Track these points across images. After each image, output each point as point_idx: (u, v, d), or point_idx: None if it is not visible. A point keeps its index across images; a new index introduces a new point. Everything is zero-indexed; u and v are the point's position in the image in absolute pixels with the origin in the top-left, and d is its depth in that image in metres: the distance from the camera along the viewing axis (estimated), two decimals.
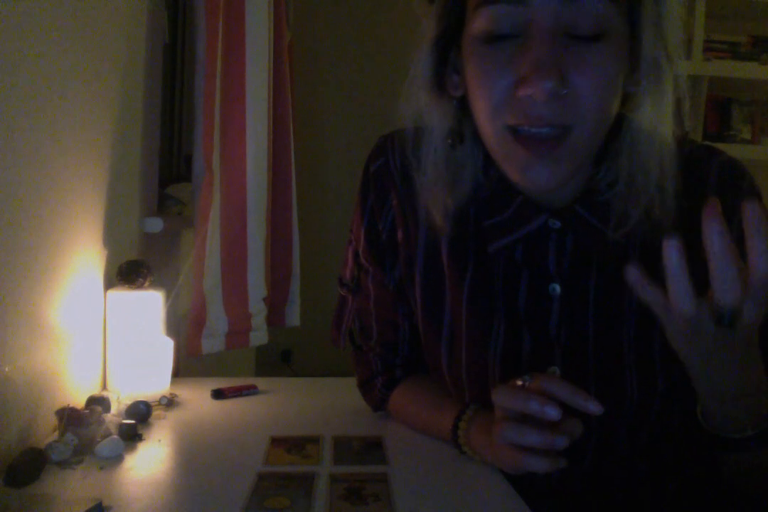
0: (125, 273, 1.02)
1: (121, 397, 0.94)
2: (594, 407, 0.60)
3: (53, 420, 0.82)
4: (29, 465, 0.70)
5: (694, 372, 0.64)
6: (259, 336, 1.56)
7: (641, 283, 0.56)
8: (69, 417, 0.78)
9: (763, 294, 0.52)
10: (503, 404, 0.65)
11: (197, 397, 1.02)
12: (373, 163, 0.85)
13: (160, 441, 0.83)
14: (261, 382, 1.09)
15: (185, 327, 1.39)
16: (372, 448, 0.81)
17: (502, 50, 0.66)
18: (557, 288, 0.75)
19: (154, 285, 1.05)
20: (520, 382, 0.66)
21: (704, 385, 0.65)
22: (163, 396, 0.97)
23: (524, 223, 0.75)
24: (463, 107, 0.73)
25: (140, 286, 1.02)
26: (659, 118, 0.69)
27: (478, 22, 0.66)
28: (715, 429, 0.68)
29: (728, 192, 0.74)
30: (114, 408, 0.90)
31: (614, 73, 0.65)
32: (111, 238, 1.07)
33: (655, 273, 0.74)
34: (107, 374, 1.02)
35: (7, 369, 0.75)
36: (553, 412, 0.61)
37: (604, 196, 0.72)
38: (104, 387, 1.03)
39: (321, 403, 1.01)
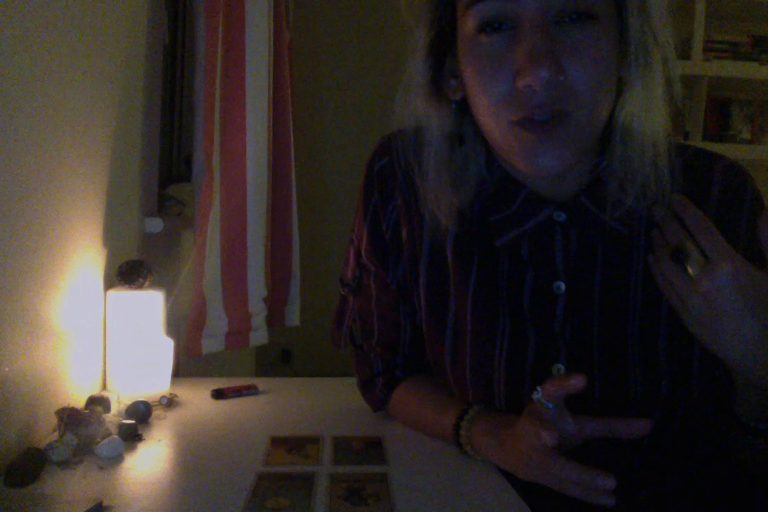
0: (125, 273, 1.02)
1: (121, 397, 0.94)
2: (639, 428, 0.63)
3: (53, 420, 0.82)
4: (29, 465, 0.70)
5: (721, 352, 0.66)
6: (259, 336, 1.56)
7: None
8: (69, 417, 0.78)
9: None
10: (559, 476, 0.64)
11: (197, 397, 1.02)
12: (377, 162, 0.85)
13: (160, 441, 0.83)
14: (261, 382, 1.09)
15: (185, 327, 1.39)
16: (372, 448, 0.81)
17: (496, 47, 0.66)
18: (562, 286, 0.75)
19: (154, 285, 1.05)
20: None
21: (735, 364, 0.66)
22: (163, 396, 0.97)
23: (530, 216, 0.75)
24: (463, 109, 0.74)
25: (140, 286, 1.02)
26: (650, 101, 0.69)
27: (470, 22, 0.67)
28: (748, 418, 0.70)
29: (732, 201, 0.75)
30: (114, 408, 0.90)
31: (606, 56, 0.66)
32: (111, 238, 1.07)
33: None
34: (107, 374, 1.02)
35: (7, 369, 0.75)
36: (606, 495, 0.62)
37: (607, 186, 0.72)
38: (104, 387, 1.02)
39: (321, 403, 1.01)
